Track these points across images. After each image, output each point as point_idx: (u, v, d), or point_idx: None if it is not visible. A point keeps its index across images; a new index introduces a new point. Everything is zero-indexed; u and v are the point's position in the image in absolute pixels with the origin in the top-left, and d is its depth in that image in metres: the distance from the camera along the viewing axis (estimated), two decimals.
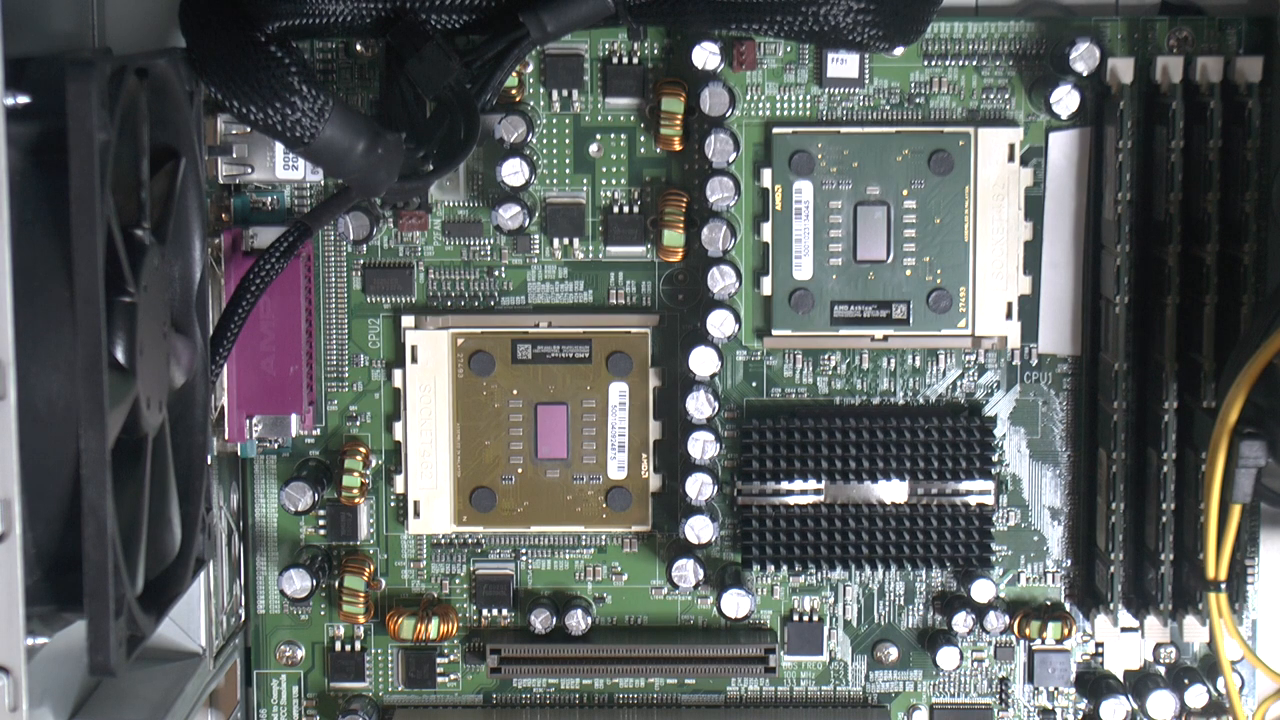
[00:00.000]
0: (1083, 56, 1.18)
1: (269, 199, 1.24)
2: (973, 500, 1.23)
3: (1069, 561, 1.27)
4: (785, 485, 1.23)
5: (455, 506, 1.25)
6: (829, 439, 1.23)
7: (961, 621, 1.25)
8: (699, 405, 1.22)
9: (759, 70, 1.23)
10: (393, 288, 1.25)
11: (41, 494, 0.84)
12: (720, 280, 1.21)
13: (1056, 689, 1.28)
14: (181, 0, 1.03)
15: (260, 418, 1.21)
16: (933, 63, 1.23)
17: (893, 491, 1.23)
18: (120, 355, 0.88)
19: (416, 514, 1.25)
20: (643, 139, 1.24)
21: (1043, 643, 1.27)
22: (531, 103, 1.23)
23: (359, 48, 1.22)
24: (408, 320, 1.24)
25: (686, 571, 1.24)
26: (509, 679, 1.28)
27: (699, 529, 1.23)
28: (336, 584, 1.26)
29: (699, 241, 1.21)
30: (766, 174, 1.22)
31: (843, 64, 1.23)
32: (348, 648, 1.28)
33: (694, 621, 1.28)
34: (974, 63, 1.23)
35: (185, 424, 1.03)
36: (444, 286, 1.25)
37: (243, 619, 1.27)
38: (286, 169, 1.20)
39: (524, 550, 1.28)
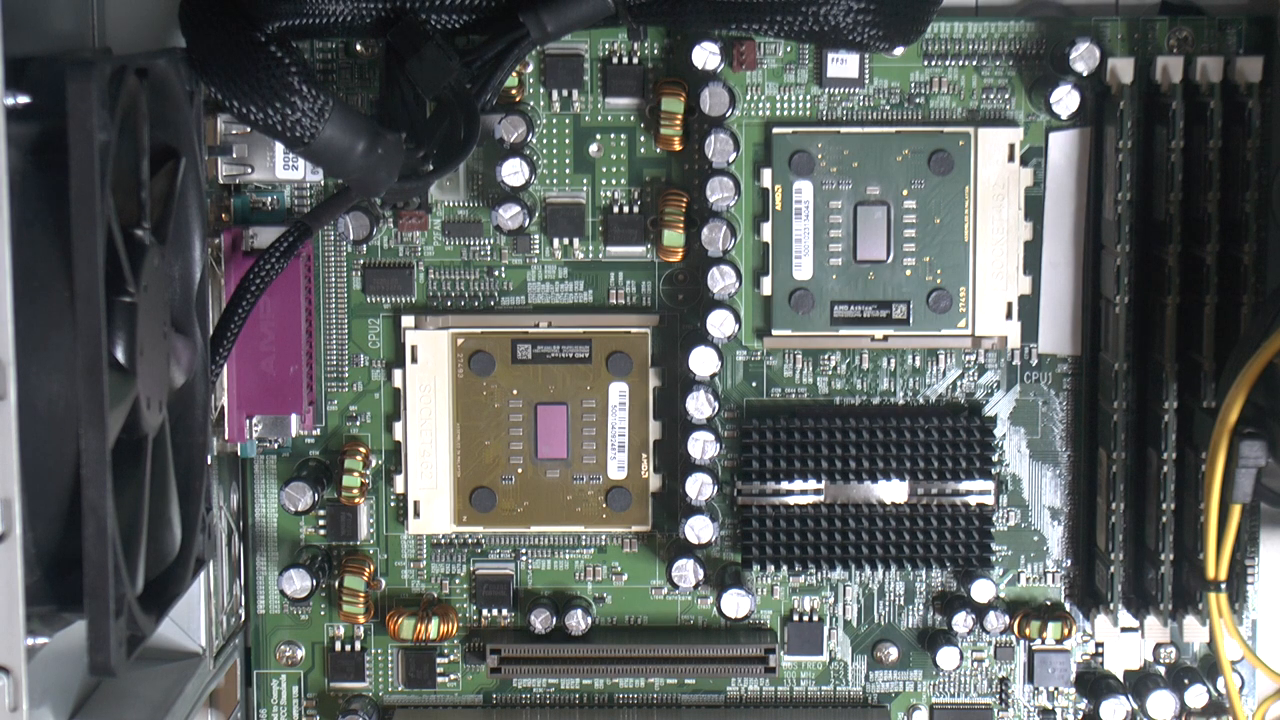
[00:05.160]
0: (1083, 56, 1.18)
1: (269, 199, 1.24)
2: (973, 500, 1.23)
3: (1069, 561, 1.27)
4: (785, 485, 1.23)
5: (455, 506, 1.25)
6: (829, 439, 1.23)
7: (961, 621, 1.25)
8: (699, 405, 1.22)
9: (759, 70, 1.23)
10: (393, 288, 1.25)
11: (41, 494, 0.84)
12: (720, 280, 1.21)
13: (1056, 689, 1.28)
14: (181, 0, 1.03)
15: (260, 418, 1.21)
16: (933, 63, 1.23)
17: (893, 491, 1.23)
18: (120, 355, 0.88)
19: (416, 514, 1.25)
20: (643, 139, 1.24)
21: (1043, 643, 1.27)
22: (531, 103, 1.23)
23: (359, 48, 1.22)
24: (408, 320, 1.24)
25: (686, 571, 1.24)
26: (509, 679, 1.28)
27: (699, 529, 1.23)
28: (336, 584, 1.26)
29: (699, 241, 1.21)
30: (766, 174, 1.22)
31: (843, 64, 1.23)
32: (348, 648, 1.28)
33: (694, 621, 1.28)
34: (974, 63, 1.23)
35: (185, 424, 1.03)
36: (444, 286, 1.25)
37: (243, 619, 1.27)
38: (286, 169, 1.20)
39: (524, 550, 1.28)
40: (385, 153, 1.06)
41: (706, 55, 1.19)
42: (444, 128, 1.10)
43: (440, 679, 1.29)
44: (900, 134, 1.22)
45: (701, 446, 1.23)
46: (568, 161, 1.24)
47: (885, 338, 1.24)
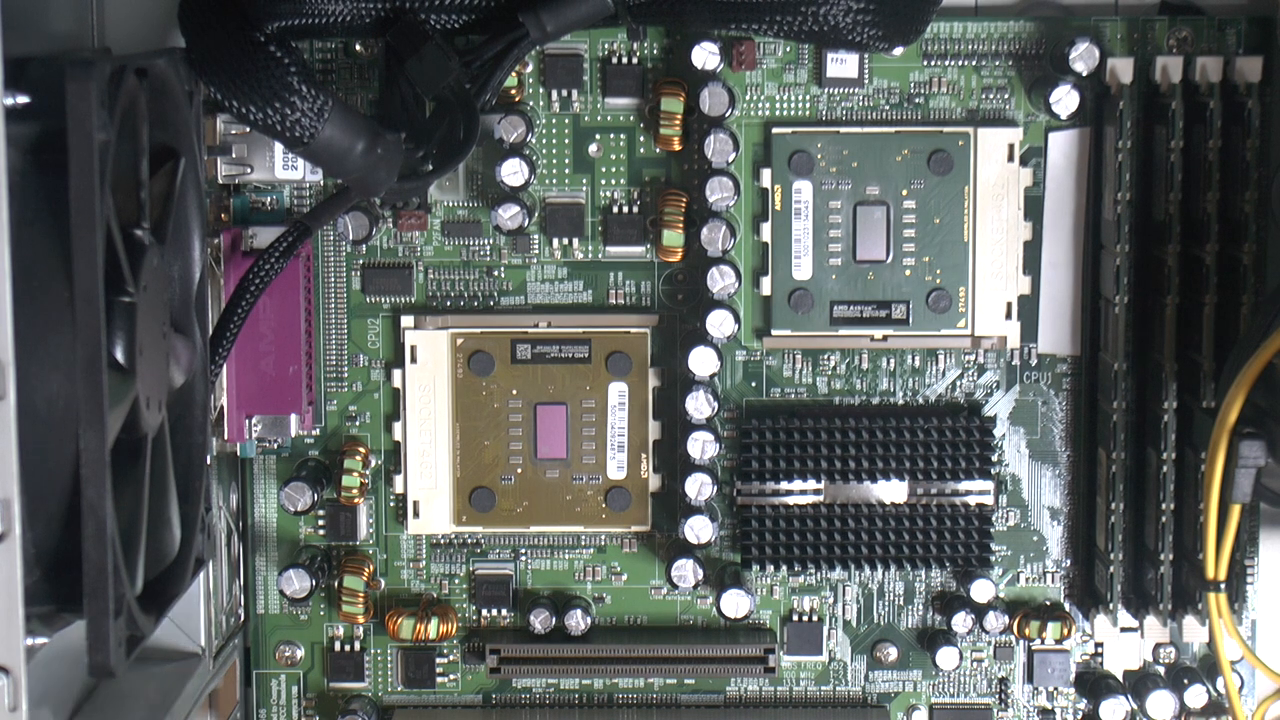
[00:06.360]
0: (1082, 56, 1.18)
1: (269, 199, 1.24)
2: (972, 500, 1.23)
3: (1069, 561, 1.27)
4: (785, 485, 1.23)
5: (455, 506, 1.25)
6: (829, 439, 1.23)
7: (961, 621, 1.25)
8: (699, 405, 1.22)
9: (759, 70, 1.23)
10: (392, 288, 1.25)
11: (41, 494, 0.84)
12: (720, 280, 1.21)
13: (1056, 689, 1.28)
14: (181, 0, 1.03)
15: (260, 418, 1.21)
16: (932, 63, 1.23)
17: (892, 491, 1.23)
18: (120, 355, 0.88)
19: (416, 514, 1.25)
20: (642, 139, 1.24)
21: (1042, 643, 1.27)
22: (531, 103, 1.23)
23: (359, 48, 1.22)
24: (407, 320, 1.24)
25: (686, 571, 1.24)
26: (508, 679, 1.28)
27: (698, 529, 1.23)
28: (336, 584, 1.26)
29: (699, 241, 1.21)
30: (766, 174, 1.22)
31: (842, 64, 1.23)
32: (347, 648, 1.28)
33: (694, 621, 1.28)
34: (974, 63, 1.23)
35: (185, 424, 1.03)
36: (443, 286, 1.25)
37: (242, 619, 1.27)
38: (286, 169, 1.20)
39: (523, 550, 1.28)
40: (385, 153, 1.06)
41: (706, 55, 1.19)
42: (444, 128, 1.10)
43: (440, 679, 1.29)
44: (900, 134, 1.22)
45: (701, 446, 1.23)
46: (567, 161, 1.24)
47: (885, 338, 1.24)
